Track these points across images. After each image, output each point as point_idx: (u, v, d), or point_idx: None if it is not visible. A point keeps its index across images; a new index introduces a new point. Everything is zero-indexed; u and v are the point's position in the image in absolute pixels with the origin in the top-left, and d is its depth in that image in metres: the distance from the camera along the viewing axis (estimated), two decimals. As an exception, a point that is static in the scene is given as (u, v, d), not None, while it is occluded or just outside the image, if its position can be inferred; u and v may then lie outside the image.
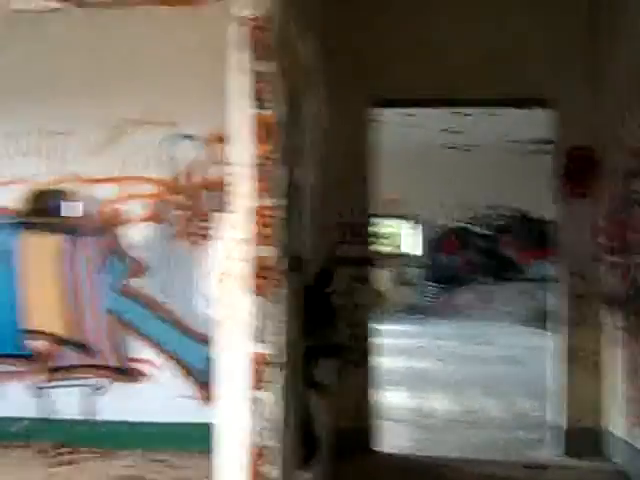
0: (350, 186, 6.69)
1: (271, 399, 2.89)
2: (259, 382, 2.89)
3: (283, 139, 2.97)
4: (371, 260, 6.91)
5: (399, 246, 20.14)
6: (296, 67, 3.47)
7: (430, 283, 18.94)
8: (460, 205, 18.50)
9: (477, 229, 18.80)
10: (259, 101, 2.91)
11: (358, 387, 6.72)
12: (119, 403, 6.78)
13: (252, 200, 2.94)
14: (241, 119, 2.97)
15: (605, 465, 6.43)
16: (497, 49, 6.73)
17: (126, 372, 6.82)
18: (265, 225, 2.94)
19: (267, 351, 2.91)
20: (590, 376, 6.71)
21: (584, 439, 6.63)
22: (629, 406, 6.22)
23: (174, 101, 6.67)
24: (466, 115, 12.70)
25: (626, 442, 6.25)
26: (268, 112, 2.92)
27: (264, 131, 2.92)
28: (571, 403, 6.75)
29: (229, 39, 2.92)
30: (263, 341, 2.92)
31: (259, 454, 2.88)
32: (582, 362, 6.75)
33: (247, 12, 2.85)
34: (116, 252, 6.80)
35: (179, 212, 6.79)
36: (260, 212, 2.94)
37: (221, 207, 3.12)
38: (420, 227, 19.14)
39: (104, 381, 6.85)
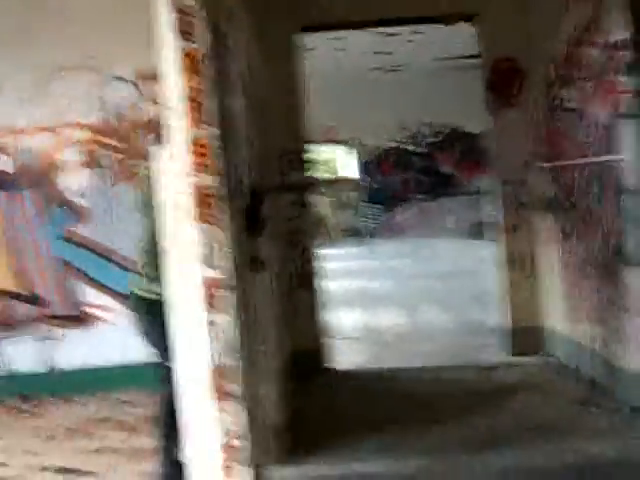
0: (286, 115, 6.73)
1: (226, 320, 3.04)
2: (212, 306, 3.03)
3: (210, 71, 3.06)
4: (310, 186, 7.02)
5: (337, 171, 20.27)
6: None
7: (371, 205, 19.13)
8: (395, 126, 18.60)
9: (413, 148, 18.94)
10: (184, 35, 3.00)
11: (307, 309, 6.88)
12: (76, 350, 6.85)
13: (187, 132, 3.04)
14: (169, 54, 3.06)
15: (549, 360, 6.72)
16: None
17: (80, 319, 6.89)
18: (202, 155, 3.05)
19: (217, 275, 3.04)
20: (529, 279, 6.96)
21: (528, 338, 6.88)
22: (565, 303, 6.51)
23: (103, 44, 6.62)
24: (393, 35, 12.69)
25: (565, 337, 6.56)
26: (193, 45, 3.01)
27: (191, 64, 3.01)
28: (513, 306, 6.99)
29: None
30: (212, 266, 3.05)
31: (220, 374, 3.04)
32: (521, 266, 6.98)
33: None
34: (57, 201, 6.80)
35: (116, 155, 6.80)
36: (196, 142, 3.05)
37: (159, 143, 3.21)
38: (357, 151, 19.22)
39: (59, 330, 6.90)
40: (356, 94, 17.23)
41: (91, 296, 6.90)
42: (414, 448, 5.02)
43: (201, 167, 3.06)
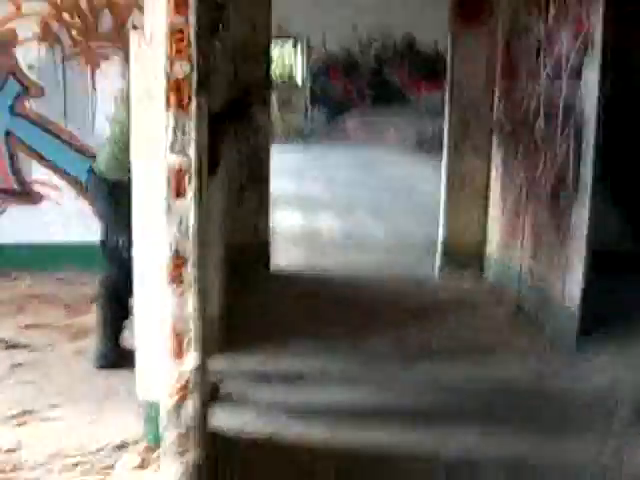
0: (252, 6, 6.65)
1: (187, 208, 3.09)
2: (176, 192, 3.08)
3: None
4: (269, 83, 6.98)
5: (287, 71, 20.06)
6: None
7: (317, 109, 19.06)
8: (348, 32, 18.41)
9: (366, 57, 18.81)
10: None
11: (252, 207, 6.93)
12: (18, 225, 6.77)
13: (165, 17, 3.03)
14: None
15: (482, 280, 6.94)
16: None
17: (25, 194, 6.82)
18: (180, 41, 3.04)
19: (181, 162, 3.08)
20: (470, 200, 7.08)
21: (463, 257, 7.03)
22: (503, 226, 6.69)
23: None
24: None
25: (499, 260, 6.76)
26: None
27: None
28: (451, 224, 7.11)
29: None
30: (178, 152, 3.08)
31: (178, 259, 3.10)
32: (464, 187, 7.08)
33: None
34: (12, 73, 6.65)
35: (74, 32, 6.66)
36: (173, 28, 3.04)
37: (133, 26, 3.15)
38: (306, 52, 19.01)
39: (1, 204, 6.83)
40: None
41: (37, 173, 6.81)
42: (347, 352, 5.22)
43: (176, 53, 3.06)
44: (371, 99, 18.85)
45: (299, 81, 19.45)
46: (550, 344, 5.42)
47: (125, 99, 4.18)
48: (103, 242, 4.86)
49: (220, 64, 4.65)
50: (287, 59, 20.01)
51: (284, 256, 7.53)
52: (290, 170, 13.31)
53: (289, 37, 18.86)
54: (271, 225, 7.13)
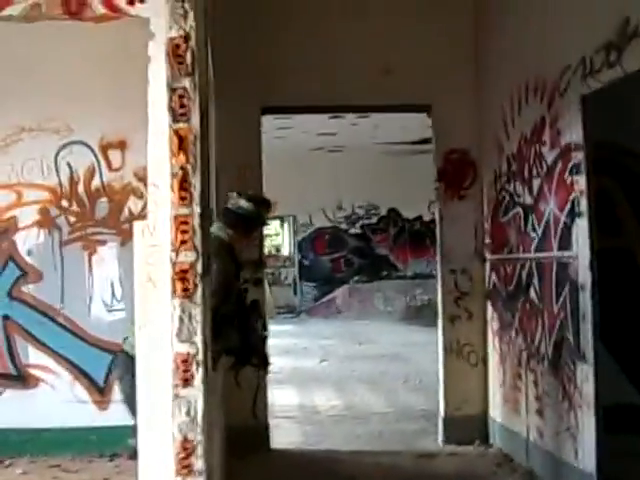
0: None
1: (195, 395, 3.07)
2: (183, 380, 3.07)
3: (199, 150, 3.16)
4: (264, 262, 7.09)
5: (275, 247, 20.44)
6: (207, 81, 3.65)
7: (306, 283, 19.21)
8: (334, 206, 18.89)
9: (352, 229, 19.19)
10: (177, 115, 3.09)
11: (252, 387, 6.86)
12: (12, 410, 6.68)
13: (171, 208, 3.11)
14: (157, 132, 3.14)
15: (487, 450, 6.81)
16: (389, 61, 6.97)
17: (20, 378, 6.78)
18: (184, 232, 3.12)
19: (189, 350, 3.09)
20: (469, 367, 7.08)
21: (465, 427, 6.96)
22: (505, 393, 6.64)
23: (68, 109, 6.71)
24: (337, 118, 12.97)
25: (504, 427, 6.68)
26: (185, 125, 3.11)
27: (182, 143, 3.10)
28: (451, 394, 7.07)
29: (149, 54, 3.09)
30: (184, 341, 3.09)
31: (185, 448, 3.06)
32: (461, 355, 7.10)
33: (169, 30, 3.03)
34: (12, 259, 6.75)
35: (72, 219, 6.82)
36: (178, 219, 3.12)
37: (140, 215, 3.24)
38: (295, 228, 19.43)
39: (-3, 389, 6.78)
40: (299, 172, 17.51)
41: (33, 357, 6.79)
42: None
43: (181, 243, 3.13)
44: (359, 270, 19.05)
45: (286, 254, 19.75)
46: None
47: None
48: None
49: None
50: (274, 237, 20.48)
51: (284, 435, 7.40)
52: (282, 346, 13.29)
53: (276, 218, 19.41)
54: (266, 402, 7.03)
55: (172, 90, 3.09)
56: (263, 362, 5.33)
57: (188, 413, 3.09)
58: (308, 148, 17.01)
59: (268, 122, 9.62)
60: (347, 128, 14.68)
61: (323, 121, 13.37)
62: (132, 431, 4.58)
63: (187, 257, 3.15)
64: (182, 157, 3.15)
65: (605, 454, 5.09)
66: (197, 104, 3.14)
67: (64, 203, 6.83)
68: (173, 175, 3.13)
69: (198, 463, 3.09)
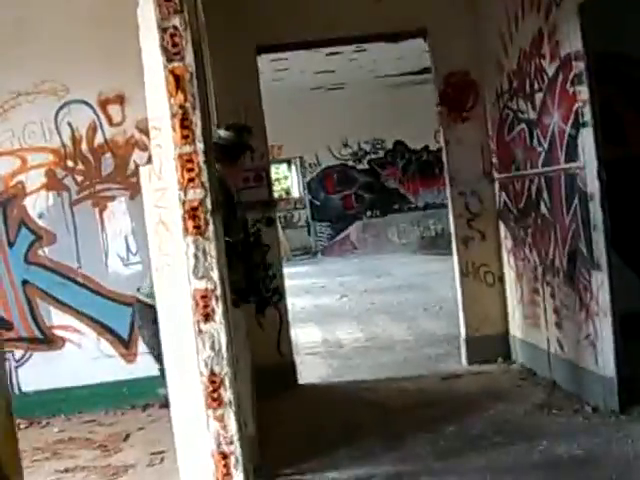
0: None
1: (218, 329, 3.13)
2: (204, 316, 3.12)
3: (196, 88, 3.17)
4: (274, 202, 7.11)
5: (285, 190, 20.44)
6: (197, 20, 3.65)
7: (319, 223, 19.23)
8: (339, 146, 18.82)
9: (359, 165, 19.12)
10: (170, 54, 3.10)
11: (275, 326, 6.96)
12: (43, 372, 6.82)
13: (174, 148, 3.14)
14: (153, 74, 3.16)
15: (510, 366, 6.88)
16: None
17: (46, 341, 6.88)
18: (190, 169, 3.14)
19: (207, 286, 3.14)
20: (486, 288, 7.12)
21: (487, 346, 7.03)
22: (523, 309, 6.70)
23: (63, 68, 6.69)
24: (335, 54, 12.87)
25: (525, 342, 6.75)
26: (180, 64, 3.12)
27: (178, 82, 3.12)
28: (471, 315, 7.12)
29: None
30: (202, 277, 3.14)
31: (213, 382, 3.13)
32: (478, 276, 7.13)
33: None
34: (24, 224, 6.80)
35: (79, 178, 6.85)
36: (183, 158, 3.15)
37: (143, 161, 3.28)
38: (303, 169, 19.35)
39: (25, 352, 6.87)
40: (301, 112, 17.39)
41: (56, 318, 6.88)
42: (387, 456, 5.13)
43: (188, 182, 3.16)
44: (370, 206, 19.02)
45: (296, 195, 19.75)
46: (593, 415, 5.34)
47: None
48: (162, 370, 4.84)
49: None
50: (283, 180, 20.47)
51: (310, 370, 7.50)
52: (301, 286, 13.38)
53: (283, 161, 19.37)
54: (293, 342, 7.10)
55: (163, 30, 3.10)
56: (259, 301, 5.33)
57: (212, 347, 3.16)
58: (308, 88, 16.86)
59: (265, 65, 9.60)
60: (346, 64, 14.52)
61: (320, 59, 13.23)
62: (161, 380, 4.69)
63: (196, 194, 3.19)
64: (180, 96, 3.17)
65: (624, 359, 5.18)
66: (189, 42, 3.15)
67: (69, 163, 6.86)
68: (173, 115, 3.15)
69: (227, 394, 3.16)
